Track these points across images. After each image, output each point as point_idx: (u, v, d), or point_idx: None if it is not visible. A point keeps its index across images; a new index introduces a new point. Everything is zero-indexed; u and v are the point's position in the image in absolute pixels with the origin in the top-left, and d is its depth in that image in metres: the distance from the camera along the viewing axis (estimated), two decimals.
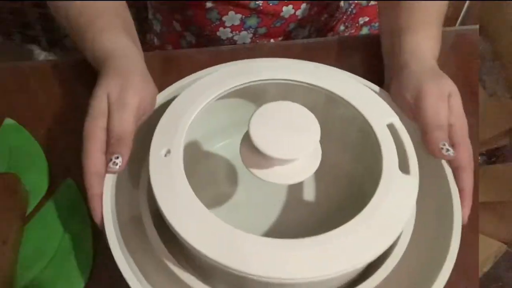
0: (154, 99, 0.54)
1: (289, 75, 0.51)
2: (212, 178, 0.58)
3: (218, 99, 0.50)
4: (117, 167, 0.47)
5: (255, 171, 0.44)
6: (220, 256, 0.39)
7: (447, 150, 0.48)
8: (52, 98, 0.66)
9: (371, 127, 0.47)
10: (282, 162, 0.43)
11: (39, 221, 0.55)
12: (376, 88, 0.55)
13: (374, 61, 0.66)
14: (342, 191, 0.57)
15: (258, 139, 0.42)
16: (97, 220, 0.47)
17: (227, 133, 0.59)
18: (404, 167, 0.45)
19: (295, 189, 0.57)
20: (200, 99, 0.49)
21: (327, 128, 0.45)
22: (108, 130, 0.49)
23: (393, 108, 0.50)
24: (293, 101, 0.45)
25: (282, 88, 0.52)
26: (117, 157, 0.47)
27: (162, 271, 0.44)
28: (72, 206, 0.56)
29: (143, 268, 0.44)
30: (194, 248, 0.39)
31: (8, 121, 0.63)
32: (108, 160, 0.48)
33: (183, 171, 0.44)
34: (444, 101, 0.50)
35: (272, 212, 0.55)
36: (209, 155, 0.60)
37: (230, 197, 0.57)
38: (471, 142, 0.50)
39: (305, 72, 0.51)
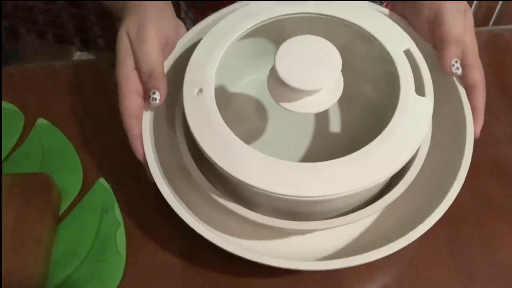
0: (176, 29, 0.54)
1: (307, 8, 0.53)
2: (242, 115, 0.61)
3: (241, 39, 0.52)
4: (157, 101, 0.49)
5: (284, 104, 0.46)
6: (262, 183, 0.42)
7: (457, 68, 0.50)
8: (85, 98, 0.66)
9: (389, 54, 0.49)
10: (308, 93, 0.46)
11: (72, 221, 0.55)
12: (386, 11, 0.56)
13: None
14: (365, 116, 0.60)
15: (285, 73, 0.44)
16: (140, 157, 0.49)
17: (251, 69, 0.62)
18: (420, 90, 0.47)
19: (321, 118, 0.60)
20: (227, 38, 0.51)
21: (347, 57, 0.47)
22: (137, 69, 0.50)
23: (407, 33, 0.52)
24: (313, 34, 0.47)
25: (301, 23, 0.53)
26: (154, 92, 0.49)
27: (205, 202, 0.48)
28: (105, 206, 0.56)
29: (187, 200, 0.48)
30: (237, 179, 0.43)
31: (41, 121, 0.63)
32: (148, 98, 0.49)
33: (217, 109, 0.46)
34: (461, 16, 0.51)
35: (301, 141, 0.59)
36: (237, 94, 0.62)
37: (261, 130, 0.60)
38: (507, 144, 0.49)
39: (322, 5, 0.53)
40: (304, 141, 0.59)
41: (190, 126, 0.45)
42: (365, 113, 0.60)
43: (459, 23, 0.50)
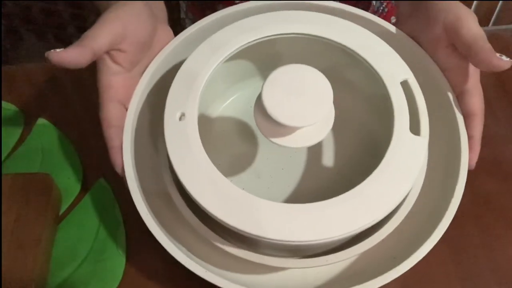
0: (150, 28, 0.51)
1: (301, 29, 0.50)
2: (227, 138, 0.58)
3: (227, 60, 0.49)
4: (57, 54, 0.43)
5: (274, 139, 0.44)
6: (242, 225, 0.40)
7: (506, 57, 0.45)
8: (85, 98, 0.66)
9: (385, 86, 0.47)
10: (298, 127, 0.44)
11: (72, 221, 0.55)
12: (393, 28, 0.53)
13: None
14: (358, 146, 0.57)
15: (273, 109, 0.42)
16: (118, 170, 0.47)
17: (235, 89, 0.59)
18: (415, 128, 0.45)
19: (313, 150, 0.58)
20: (212, 60, 0.48)
21: (341, 80, 0.46)
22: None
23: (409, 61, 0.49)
24: (307, 55, 0.45)
25: (293, 42, 0.51)
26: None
27: (183, 227, 0.47)
28: (105, 206, 0.56)
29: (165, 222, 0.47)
30: (215, 216, 0.41)
31: (41, 121, 0.63)
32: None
33: (199, 138, 0.44)
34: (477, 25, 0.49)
35: (288, 173, 0.56)
36: (221, 115, 0.59)
37: (248, 156, 0.57)
38: (507, 144, 0.49)
39: (317, 24, 0.50)
40: (293, 169, 0.56)
41: (169, 154, 0.43)
42: (359, 142, 0.57)
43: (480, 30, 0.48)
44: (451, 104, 0.49)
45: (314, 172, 0.56)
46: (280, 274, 0.49)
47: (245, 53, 0.50)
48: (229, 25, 0.50)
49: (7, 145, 0.61)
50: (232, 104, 0.60)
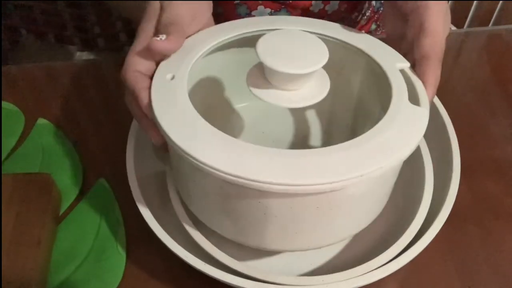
0: (206, 9, 0.51)
1: (302, 26, 0.50)
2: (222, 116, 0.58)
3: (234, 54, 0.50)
4: (161, 43, 0.44)
5: (267, 98, 0.43)
6: (231, 168, 0.37)
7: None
8: (85, 98, 0.66)
9: (382, 69, 0.46)
10: (293, 83, 0.43)
11: (72, 221, 0.55)
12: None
13: None
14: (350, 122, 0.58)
15: (268, 59, 0.41)
16: (146, 111, 0.44)
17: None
18: (415, 102, 0.44)
19: (303, 124, 0.59)
20: (212, 39, 0.48)
21: (340, 79, 0.46)
22: (157, 27, 0.46)
23: None
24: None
25: None
26: (162, 36, 0.44)
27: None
28: (105, 206, 0.56)
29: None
30: (201, 163, 0.38)
31: (41, 121, 0.63)
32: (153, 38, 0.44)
33: (186, 92, 0.43)
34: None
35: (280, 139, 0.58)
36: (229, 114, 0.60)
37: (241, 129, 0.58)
38: (507, 144, 0.48)
39: (316, 24, 0.51)
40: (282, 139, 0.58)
41: (154, 110, 0.41)
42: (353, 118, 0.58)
43: None
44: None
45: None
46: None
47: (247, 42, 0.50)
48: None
49: (7, 145, 0.61)
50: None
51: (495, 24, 1.28)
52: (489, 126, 0.53)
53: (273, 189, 0.36)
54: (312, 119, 0.61)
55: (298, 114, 0.61)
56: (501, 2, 1.24)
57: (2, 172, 0.58)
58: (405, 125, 0.41)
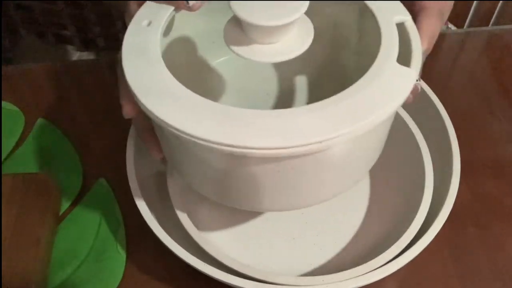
0: None
1: None
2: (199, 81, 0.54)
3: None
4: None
5: (244, 53, 0.39)
6: (203, 133, 0.34)
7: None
8: (85, 98, 0.66)
9: (376, 21, 0.42)
10: (269, 37, 0.39)
11: (72, 221, 0.55)
12: None
13: None
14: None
15: (244, 13, 0.37)
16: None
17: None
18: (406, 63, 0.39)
19: (288, 78, 0.56)
20: None
21: (332, 30, 0.44)
22: None
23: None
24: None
25: None
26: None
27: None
28: (105, 206, 0.56)
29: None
30: (170, 125, 0.34)
31: (41, 121, 0.63)
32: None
33: (159, 40, 0.40)
34: None
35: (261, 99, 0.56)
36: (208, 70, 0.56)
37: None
38: (507, 144, 0.48)
39: None
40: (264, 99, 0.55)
41: (123, 61, 0.39)
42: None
43: None
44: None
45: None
46: None
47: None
48: None
49: (7, 145, 0.61)
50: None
51: (495, 24, 1.28)
52: (489, 126, 0.53)
53: (256, 154, 0.34)
54: (300, 71, 0.57)
55: (284, 65, 0.53)
56: (501, 2, 1.24)
57: (2, 172, 0.58)
58: (384, 87, 0.37)
